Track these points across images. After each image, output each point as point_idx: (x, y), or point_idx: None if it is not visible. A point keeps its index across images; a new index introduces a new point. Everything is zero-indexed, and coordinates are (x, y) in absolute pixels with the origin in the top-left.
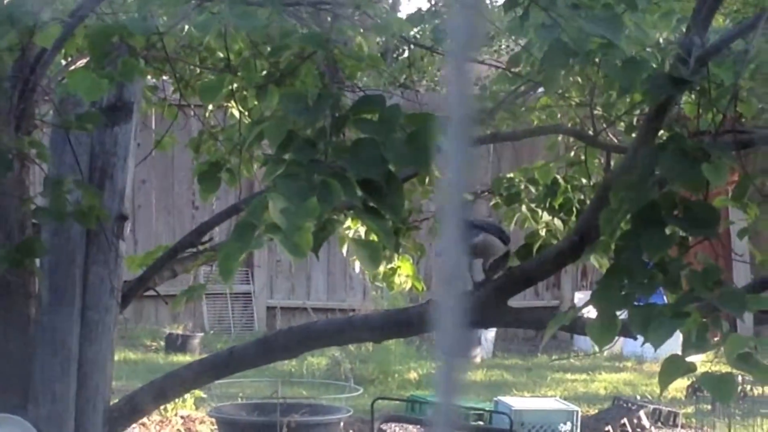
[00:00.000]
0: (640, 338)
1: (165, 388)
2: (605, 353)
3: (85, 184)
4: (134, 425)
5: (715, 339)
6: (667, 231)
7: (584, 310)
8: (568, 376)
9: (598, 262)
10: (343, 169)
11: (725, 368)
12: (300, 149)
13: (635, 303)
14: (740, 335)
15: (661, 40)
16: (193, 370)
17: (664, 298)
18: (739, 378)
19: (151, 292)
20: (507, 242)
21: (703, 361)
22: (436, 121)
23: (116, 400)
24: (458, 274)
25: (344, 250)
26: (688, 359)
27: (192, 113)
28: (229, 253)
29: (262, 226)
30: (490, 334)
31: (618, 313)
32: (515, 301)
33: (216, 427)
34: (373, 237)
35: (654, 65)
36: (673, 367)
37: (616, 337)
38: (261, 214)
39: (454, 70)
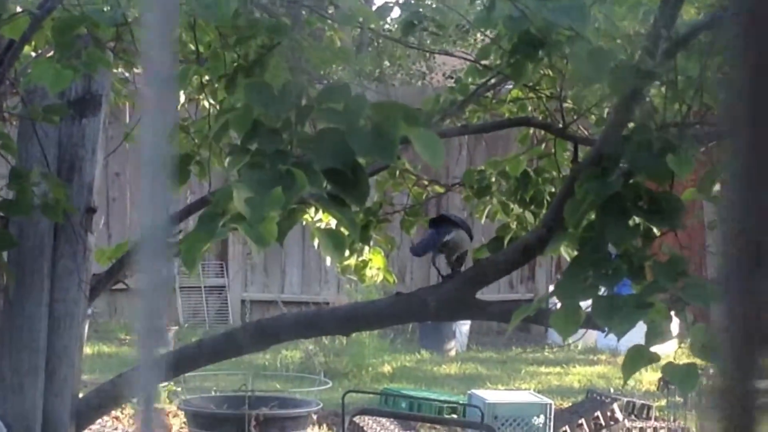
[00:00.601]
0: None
1: (134, 381)
2: (579, 346)
3: (52, 177)
4: (107, 418)
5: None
6: (637, 221)
7: (554, 302)
8: (542, 369)
9: (569, 255)
10: (308, 158)
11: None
12: (265, 139)
13: (600, 294)
14: (704, 325)
15: (631, 32)
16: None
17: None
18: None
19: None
20: (472, 237)
21: (676, 352)
22: (402, 111)
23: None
24: (158, 311)
25: (317, 243)
26: (655, 350)
27: None
28: (193, 244)
29: (226, 216)
30: (465, 327)
31: (585, 304)
32: (490, 294)
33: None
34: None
35: (623, 57)
36: (637, 358)
37: (585, 330)
38: (226, 204)
39: (150, 47)
